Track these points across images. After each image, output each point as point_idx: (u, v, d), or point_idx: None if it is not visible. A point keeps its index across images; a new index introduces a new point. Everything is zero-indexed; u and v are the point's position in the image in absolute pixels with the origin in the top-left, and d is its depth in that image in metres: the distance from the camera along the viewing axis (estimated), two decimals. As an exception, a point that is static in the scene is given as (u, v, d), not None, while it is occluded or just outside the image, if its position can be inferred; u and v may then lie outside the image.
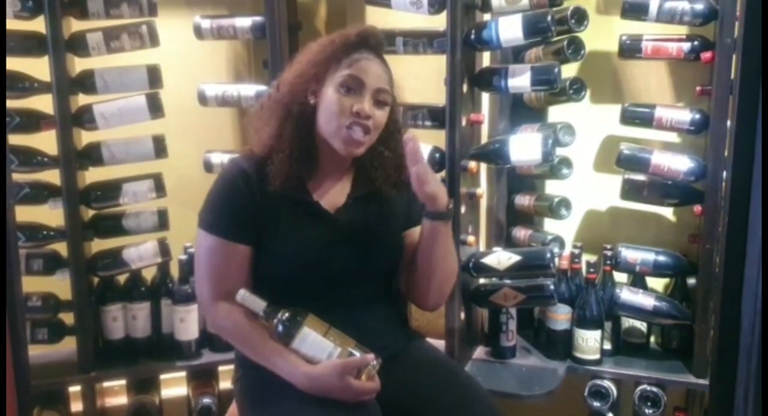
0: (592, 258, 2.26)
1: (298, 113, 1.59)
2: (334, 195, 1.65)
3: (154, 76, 2.12)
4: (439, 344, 2.04)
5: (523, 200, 2.32)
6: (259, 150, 1.60)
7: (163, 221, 2.21)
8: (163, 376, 2.36)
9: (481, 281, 2.21)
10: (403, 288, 1.75)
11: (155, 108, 2.13)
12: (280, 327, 1.48)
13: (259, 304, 1.50)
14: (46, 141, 2.09)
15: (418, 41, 2.09)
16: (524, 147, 2.02)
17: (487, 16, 2.13)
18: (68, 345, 2.19)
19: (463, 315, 2.17)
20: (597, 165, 2.34)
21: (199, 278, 1.62)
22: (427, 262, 1.63)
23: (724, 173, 1.96)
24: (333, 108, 1.55)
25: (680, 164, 2.05)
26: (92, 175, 2.19)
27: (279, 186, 1.56)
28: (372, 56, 1.59)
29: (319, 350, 1.47)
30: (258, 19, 2.19)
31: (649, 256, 2.12)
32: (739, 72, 1.80)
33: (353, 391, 1.45)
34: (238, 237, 1.57)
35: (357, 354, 1.48)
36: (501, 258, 2.09)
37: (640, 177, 2.13)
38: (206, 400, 2.27)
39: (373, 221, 1.65)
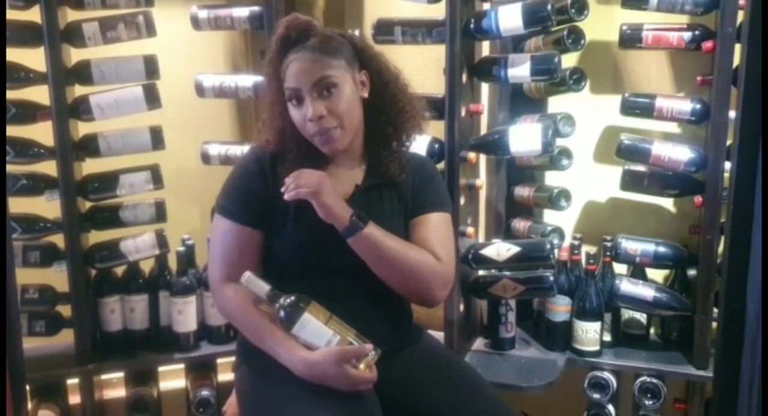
0: (592, 249, 2.25)
1: (289, 124, 1.60)
2: (346, 185, 1.64)
3: (150, 66, 2.10)
4: (438, 335, 2.04)
5: (523, 191, 2.31)
6: (272, 146, 1.64)
7: (160, 212, 2.20)
8: (161, 368, 2.36)
9: (481, 272, 2.20)
10: None
11: (152, 99, 2.12)
12: (282, 312, 1.49)
13: (262, 287, 1.51)
14: (42, 132, 2.07)
15: (417, 31, 2.07)
16: (524, 138, 2.01)
17: (486, 5, 2.12)
18: (66, 338, 2.19)
19: (462, 307, 2.16)
20: (597, 156, 2.34)
21: (211, 260, 1.65)
22: (376, 272, 1.58)
23: (725, 164, 1.95)
24: (297, 121, 1.58)
25: (681, 154, 2.04)
26: (89, 166, 2.18)
27: None
28: (296, 53, 1.56)
29: (318, 337, 1.47)
30: (255, 9, 2.18)
31: (649, 247, 2.11)
32: (745, 60, 1.78)
33: (349, 380, 1.45)
34: (250, 222, 1.60)
35: (356, 343, 1.48)
36: (500, 250, 2.08)
37: (641, 168, 2.12)
38: (205, 392, 2.27)
39: (384, 212, 1.64)
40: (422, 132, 1.73)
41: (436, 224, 1.66)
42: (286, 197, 1.51)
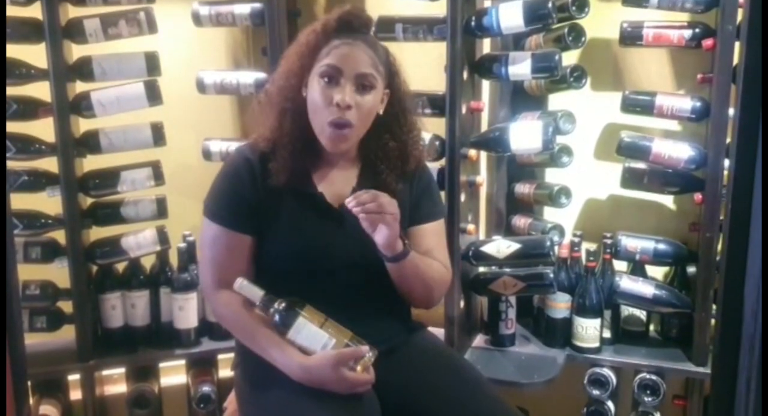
0: (592, 247, 2.25)
1: (294, 107, 1.57)
2: (339, 187, 1.62)
3: (152, 63, 2.10)
4: (439, 332, 2.04)
5: (523, 189, 2.31)
6: (263, 144, 1.59)
7: (161, 209, 2.20)
8: (162, 364, 2.36)
9: (481, 269, 2.21)
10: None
11: (153, 96, 2.12)
12: (277, 317, 1.48)
13: (256, 293, 1.49)
14: (43, 129, 2.07)
15: (418, 28, 2.07)
16: (524, 135, 2.02)
17: (487, 3, 2.14)
18: (67, 334, 2.19)
19: (462, 304, 2.17)
20: (597, 153, 2.34)
21: (202, 265, 1.63)
22: (404, 288, 1.63)
23: (725, 161, 1.96)
24: (316, 100, 1.53)
25: (681, 152, 2.04)
26: (90, 163, 2.18)
27: (284, 181, 1.56)
28: (353, 40, 1.55)
29: (314, 341, 1.46)
30: (257, 5, 2.18)
31: (649, 244, 2.11)
32: (745, 58, 1.78)
33: (348, 383, 1.44)
34: (241, 227, 1.57)
35: (352, 345, 1.47)
36: (500, 247, 2.08)
37: (641, 165, 2.12)
38: (205, 388, 2.27)
39: None
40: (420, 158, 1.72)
41: (437, 233, 1.71)
42: (360, 214, 1.46)
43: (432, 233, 1.68)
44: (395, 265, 1.57)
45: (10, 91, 2.00)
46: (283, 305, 1.48)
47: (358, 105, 1.52)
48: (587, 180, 2.34)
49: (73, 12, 2.08)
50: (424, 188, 1.71)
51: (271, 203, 1.57)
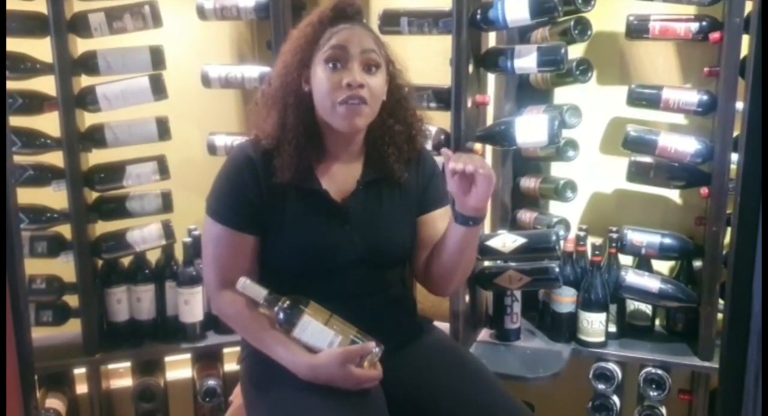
0: (598, 241, 2.25)
1: (296, 103, 1.56)
2: (343, 181, 1.61)
3: (157, 57, 2.10)
4: (444, 326, 2.04)
5: (529, 183, 2.31)
6: (265, 141, 1.57)
7: (167, 203, 2.21)
8: (167, 358, 2.37)
9: (486, 263, 2.20)
10: (418, 276, 1.73)
11: (158, 90, 2.12)
12: (281, 315, 1.47)
13: (260, 292, 1.48)
14: (48, 123, 2.08)
15: (423, 21, 2.07)
16: (530, 129, 2.01)
17: (492, -4, 2.12)
18: (73, 328, 2.20)
19: (467, 298, 2.17)
20: (603, 147, 2.33)
21: (206, 265, 1.61)
22: (454, 261, 1.62)
23: (732, 155, 1.95)
24: (324, 86, 1.51)
25: (687, 145, 2.03)
26: (95, 157, 2.18)
27: (288, 178, 1.54)
28: (350, 25, 1.55)
29: (320, 339, 1.46)
30: (261, -1, 2.18)
31: (655, 238, 2.11)
32: (753, 51, 1.77)
33: (355, 379, 1.44)
34: (244, 227, 1.56)
35: (358, 341, 1.46)
36: (506, 241, 2.08)
37: (647, 159, 2.12)
38: (211, 382, 2.28)
39: (384, 209, 1.63)
40: (424, 143, 1.73)
41: (449, 217, 1.67)
42: (468, 169, 1.44)
43: (446, 217, 1.66)
44: (470, 230, 1.56)
45: (16, 85, 2.01)
46: (287, 303, 1.47)
47: (367, 85, 1.51)
48: (593, 174, 2.33)
49: (77, 6, 2.08)
50: (430, 174, 1.70)
51: (275, 201, 1.56)
